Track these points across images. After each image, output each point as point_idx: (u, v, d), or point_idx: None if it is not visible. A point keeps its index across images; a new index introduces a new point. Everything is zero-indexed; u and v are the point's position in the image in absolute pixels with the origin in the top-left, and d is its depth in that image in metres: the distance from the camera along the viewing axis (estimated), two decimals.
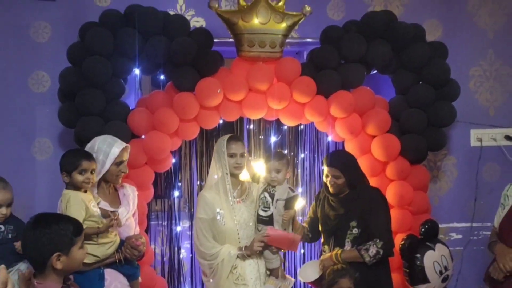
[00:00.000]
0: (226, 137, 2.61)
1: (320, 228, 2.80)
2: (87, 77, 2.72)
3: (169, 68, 2.89)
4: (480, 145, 3.50)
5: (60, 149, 3.13)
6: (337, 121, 3.02)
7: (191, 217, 3.29)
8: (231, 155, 2.55)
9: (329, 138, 3.31)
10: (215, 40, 2.95)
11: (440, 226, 3.08)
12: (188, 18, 3.15)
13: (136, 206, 2.53)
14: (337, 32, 3.02)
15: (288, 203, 2.58)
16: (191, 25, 3.06)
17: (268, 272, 2.58)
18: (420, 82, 3.08)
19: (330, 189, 2.71)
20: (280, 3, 2.84)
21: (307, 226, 2.86)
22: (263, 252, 2.53)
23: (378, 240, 2.57)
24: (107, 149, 2.35)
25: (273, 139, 3.36)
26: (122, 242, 2.34)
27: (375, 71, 3.17)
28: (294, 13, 2.86)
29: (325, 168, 2.71)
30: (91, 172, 2.28)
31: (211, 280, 2.47)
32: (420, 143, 3.06)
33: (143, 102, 2.93)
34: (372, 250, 2.56)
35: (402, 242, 2.92)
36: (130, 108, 2.91)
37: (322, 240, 2.81)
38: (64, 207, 2.22)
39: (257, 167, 2.87)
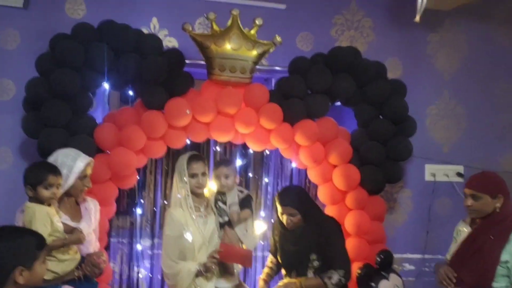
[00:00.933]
0: (186, 156, 2.63)
1: (280, 261, 2.85)
2: (55, 89, 2.69)
3: (139, 85, 2.91)
4: (434, 180, 3.66)
5: (21, 159, 3.06)
6: (301, 148, 3.11)
7: (152, 236, 3.26)
8: (193, 175, 2.57)
9: (293, 165, 3.39)
10: (186, 61, 2.99)
11: (395, 256, 3.16)
12: (161, 37, 3.18)
13: (97, 221, 2.50)
14: (305, 64, 3.14)
15: (242, 204, 2.66)
16: (164, 45, 3.10)
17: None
18: (380, 117, 3.22)
19: (287, 227, 2.74)
20: (252, 31, 2.93)
21: (272, 259, 2.94)
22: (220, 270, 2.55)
23: (339, 269, 2.64)
24: (71, 163, 2.33)
25: (238, 162, 3.40)
26: (82, 259, 2.30)
27: (339, 103, 3.29)
28: (265, 42, 2.95)
29: (279, 207, 2.73)
30: (57, 187, 2.24)
31: None
32: (378, 175, 3.18)
33: (111, 117, 2.92)
34: (335, 278, 2.62)
35: (359, 271, 2.99)
36: (97, 123, 2.90)
37: (283, 272, 2.86)
38: (27, 221, 2.17)
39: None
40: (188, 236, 2.45)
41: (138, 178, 3.12)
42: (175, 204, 2.55)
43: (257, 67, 3.11)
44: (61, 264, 2.21)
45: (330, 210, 3.22)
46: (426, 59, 3.71)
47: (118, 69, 2.80)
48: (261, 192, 3.48)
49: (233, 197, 2.68)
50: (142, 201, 3.30)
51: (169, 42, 3.30)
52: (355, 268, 3.04)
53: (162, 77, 2.83)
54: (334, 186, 3.15)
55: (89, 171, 2.40)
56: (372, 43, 3.63)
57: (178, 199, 2.55)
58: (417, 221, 3.62)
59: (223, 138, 3.03)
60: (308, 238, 2.70)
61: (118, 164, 2.78)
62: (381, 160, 3.18)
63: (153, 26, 3.28)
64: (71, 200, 2.43)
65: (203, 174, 2.60)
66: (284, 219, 2.72)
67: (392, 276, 3.00)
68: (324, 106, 3.12)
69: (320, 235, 2.70)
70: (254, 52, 2.94)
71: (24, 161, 3.06)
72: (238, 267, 2.74)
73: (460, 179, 3.66)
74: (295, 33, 3.51)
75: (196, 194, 2.59)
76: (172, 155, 3.28)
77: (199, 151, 3.29)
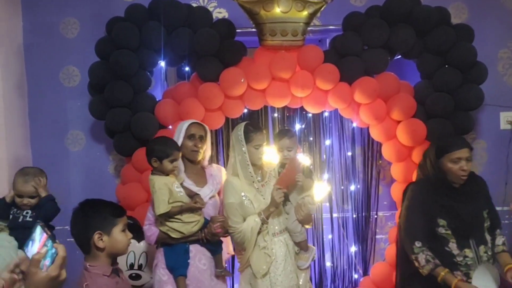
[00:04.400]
0: (243, 126, 2.51)
1: (442, 231, 2.44)
2: (115, 70, 2.81)
3: (193, 59, 2.96)
4: (511, 127, 3.42)
5: (92, 141, 3.27)
6: (361, 107, 3.02)
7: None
8: (254, 146, 2.49)
9: (354, 125, 3.31)
10: (237, 31, 2.99)
11: None
12: (211, 9, 3.20)
13: (221, 185, 2.60)
14: (359, 19, 3.01)
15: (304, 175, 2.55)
16: (214, 16, 3.11)
17: (296, 249, 2.58)
18: (446, 66, 3.04)
19: (463, 178, 2.45)
20: None
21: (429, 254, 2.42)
22: (289, 226, 2.52)
23: (500, 228, 2.52)
24: (181, 126, 2.57)
25: (297, 126, 3.38)
26: (206, 221, 2.47)
27: (399, 56, 3.14)
28: (316, 0, 2.86)
29: (456, 153, 2.45)
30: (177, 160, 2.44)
31: (242, 253, 2.51)
32: (446, 127, 3.02)
33: (169, 94, 3.01)
34: (504, 240, 2.50)
35: None
36: (157, 100, 3.00)
37: (452, 244, 2.43)
38: (151, 192, 2.40)
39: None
40: (249, 204, 2.48)
41: None
42: (232, 172, 2.58)
43: (310, 28, 3.04)
44: (186, 225, 2.40)
45: (396, 167, 3.13)
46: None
47: (171, 45, 2.86)
48: (323, 154, 3.44)
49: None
50: None
51: (219, 13, 3.30)
52: None
53: (214, 48, 2.85)
54: (399, 143, 3.04)
55: (195, 131, 2.53)
56: None
57: (235, 168, 2.55)
58: (493, 173, 3.42)
59: (279, 103, 3.02)
60: (476, 192, 2.46)
61: None
62: (449, 111, 3.01)
63: None
64: (196, 167, 2.59)
65: (262, 145, 2.55)
66: (460, 167, 2.43)
67: None
68: (382, 61, 3.00)
69: (483, 186, 2.49)
70: (305, 13, 2.86)
71: (95, 142, 3.27)
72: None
73: None
74: None
75: (254, 164, 2.58)
76: (231, 125, 3.31)
77: (257, 119, 3.31)
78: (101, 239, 1.85)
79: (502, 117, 3.44)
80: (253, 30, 2.97)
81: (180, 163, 2.49)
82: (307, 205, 2.49)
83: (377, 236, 3.49)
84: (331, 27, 3.31)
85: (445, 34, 2.98)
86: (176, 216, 2.38)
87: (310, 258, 2.57)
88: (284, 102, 3.00)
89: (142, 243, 2.69)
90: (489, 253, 2.45)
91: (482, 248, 2.43)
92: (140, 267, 2.68)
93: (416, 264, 2.40)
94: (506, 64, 3.46)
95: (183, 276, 2.43)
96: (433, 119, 3.03)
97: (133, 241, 2.62)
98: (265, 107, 3.27)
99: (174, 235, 2.39)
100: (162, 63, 3.09)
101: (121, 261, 2.62)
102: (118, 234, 1.89)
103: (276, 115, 3.36)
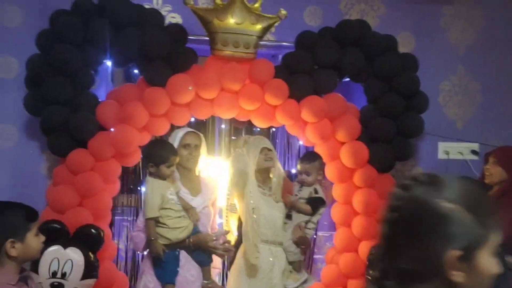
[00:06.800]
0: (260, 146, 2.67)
1: None
2: (56, 65, 2.67)
3: (141, 62, 2.86)
4: (447, 157, 3.55)
5: (26, 137, 3.07)
6: (308, 125, 3.04)
7: None
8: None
9: (300, 142, 3.32)
10: (190, 37, 2.93)
11: None
12: (164, 13, 3.11)
13: (216, 196, 2.67)
14: (312, 38, 3.05)
15: (309, 200, 2.64)
16: (167, 21, 3.05)
17: (290, 268, 2.64)
18: (390, 92, 3.12)
19: None
20: (256, 5, 2.85)
21: None
22: (284, 243, 2.61)
23: None
24: (175, 134, 2.62)
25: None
26: (196, 230, 2.46)
27: (348, 79, 3.20)
28: (270, 15, 2.88)
29: None
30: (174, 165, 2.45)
31: None
32: (388, 152, 3.09)
33: (113, 95, 2.89)
34: None
35: (372, 252, 2.93)
36: (100, 100, 2.87)
37: None
38: (145, 194, 2.45)
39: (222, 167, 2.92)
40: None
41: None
42: None
43: (264, 42, 3.04)
44: (172, 231, 2.38)
45: (338, 188, 3.16)
46: (440, 33, 3.57)
47: (119, 45, 2.76)
48: None
49: (306, 193, 2.67)
50: None
51: (173, 18, 3.23)
52: (366, 247, 2.99)
53: (163, 52, 2.78)
54: (342, 164, 3.07)
55: (191, 141, 2.57)
56: (383, 17, 3.50)
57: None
58: None
59: (227, 115, 2.98)
60: None
61: (121, 141, 2.75)
62: (391, 137, 3.09)
63: (155, 1, 3.21)
64: (191, 174, 2.61)
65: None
66: None
67: None
68: (331, 81, 3.04)
69: None
70: (259, 26, 2.86)
71: (29, 138, 3.07)
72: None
73: (475, 157, 3.54)
74: (302, 7, 3.40)
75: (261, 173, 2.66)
76: None
77: (204, 129, 3.26)
78: (14, 247, 1.70)
79: (440, 147, 3.56)
80: (206, 38, 2.93)
81: (175, 172, 2.52)
82: (298, 232, 2.59)
83: (315, 256, 3.50)
84: (284, 43, 3.33)
85: (392, 61, 3.08)
86: (162, 222, 2.36)
87: (300, 281, 2.58)
88: (232, 114, 2.97)
89: (69, 250, 2.52)
90: None
91: None
92: (63, 275, 2.50)
93: None
94: (446, 96, 3.61)
95: (171, 284, 2.40)
96: (375, 143, 3.09)
97: (58, 247, 2.49)
98: (213, 118, 3.21)
99: (160, 241, 2.37)
100: (109, 63, 2.97)
101: (43, 268, 2.48)
102: (32, 240, 1.76)
103: (223, 126, 3.32)
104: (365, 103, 3.22)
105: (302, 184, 2.67)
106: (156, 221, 2.36)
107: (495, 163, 2.65)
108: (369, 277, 2.94)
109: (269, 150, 2.67)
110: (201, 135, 2.66)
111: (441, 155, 3.57)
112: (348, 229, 3.09)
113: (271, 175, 2.74)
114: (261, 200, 2.62)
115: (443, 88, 3.60)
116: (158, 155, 2.37)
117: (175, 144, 2.54)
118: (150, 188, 2.35)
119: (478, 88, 3.62)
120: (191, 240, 2.43)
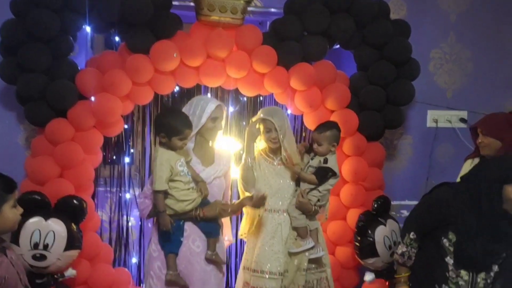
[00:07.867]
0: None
1: (446, 244, 2.18)
2: (32, 31, 2.53)
3: (123, 27, 2.74)
4: (436, 126, 3.53)
5: (2, 106, 2.94)
6: (296, 93, 2.96)
7: (141, 185, 3.17)
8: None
9: (289, 111, 3.25)
10: (174, 3, 2.81)
11: (392, 203, 3.10)
12: None
13: (229, 168, 2.61)
14: (301, 3, 2.94)
15: (317, 170, 2.62)
16: None
17: (295, 235, 2.66)
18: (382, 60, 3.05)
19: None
20: None
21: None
22: (289, 207, 2.64)
23: None
24: (204, 104, 2.45)
25: (231, 109, 3.27)
26: (207, 202, 2.41)
27: (338, 46, 3.11)
28: None
29: None
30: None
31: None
32: (377, 120, 3.05)
33: (94, 62, 2.77)
34: None
35: (361, 219, 2.96)
36: (79, 68, 2.75)
37: (450, 260, 2.17)
38: (152, 163, 2.36)
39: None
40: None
41: (126, 126, 3.02)
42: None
43: (251, 8, 2.94)
44: (179, 203, 2.32)
45: None
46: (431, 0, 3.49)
47: (98, 10, 2.62)
48: None
49: (316, 162, 2.64)
50: (131, 150, 3.19)
51: None
52: (355, 215, 3.00)
53: (146, 17, 2.65)
54: None
55: (219, 114, 2.49)
56: None
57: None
58: (417, 168, 3.52)
59: (213, 83, 2.89)
60: None
61: (102, 110, 2.65)
62: (381, 104, 3.05)
63: None
64: (206, 144, 2.53)
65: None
66: None
67: (389, 221, 2.97)
68: (321, 48, 2.95)
69: None
70: None
71: (5, 109, 2.94)
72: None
73: (463, 125, 3.53)
74: None
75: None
76: (161, 101, 3.14)
77: (189, 98, 3.16)
78: None
79: (429, 115, 3.54)
80: (191, 4, 2.81)
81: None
82: (299, 198, 2.60)
83: None
84: (272, 9, 3.22)
85: (383, 28, 3.00)
86: (170, 193, 2.29)
87: (303, 247, 2.60)
88: (219, 82, 2.87)
89: (50, 221, 2.45)
90: (488, 281, 2.16)
91: (482, 274, 2.16)
92: (46, 247, 2.43)
93: (397, 248, 2.39)
94: (437, 64, 3.55)
95: (174, 253, 2.36)
96: (365, 112, 3.04)
97: (39, 219, 2.42)
98: (198, 86, 3.12)
99: (167, 211, 2.32)
100: (88, 29, 2.83)
101: (24, 240, 2.41)
102: (9, 211, 1.71)
103: (209, 95, 3.22)
104: (355, 70, 3.15)
105: (315, 154, 2.65)
106: (165, 192, 2.30)
107: (485, 135, 2.63)
108: (357, 244, 2.95)
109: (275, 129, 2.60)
110: (225, 107, 2.60)
111: (430, 123, 3.56)
112: (337, 197, 3.07)
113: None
114: (266, 170, 2.66)
115: (433, 56, 3.54)
116: (172, 127, 2.25)
117: (205, 116, 2.42)
118: (159, 159, 2.25)
119: (469, 56, 3.57)
120: (203, 211, 2.37)
